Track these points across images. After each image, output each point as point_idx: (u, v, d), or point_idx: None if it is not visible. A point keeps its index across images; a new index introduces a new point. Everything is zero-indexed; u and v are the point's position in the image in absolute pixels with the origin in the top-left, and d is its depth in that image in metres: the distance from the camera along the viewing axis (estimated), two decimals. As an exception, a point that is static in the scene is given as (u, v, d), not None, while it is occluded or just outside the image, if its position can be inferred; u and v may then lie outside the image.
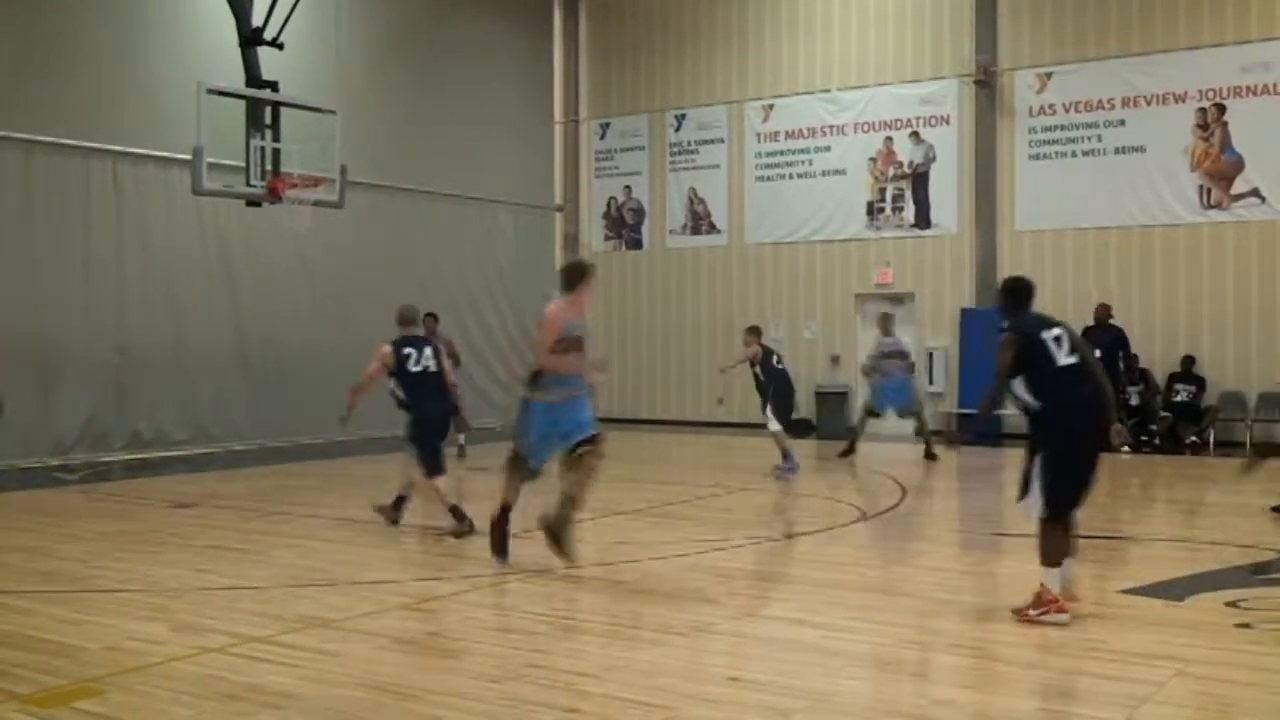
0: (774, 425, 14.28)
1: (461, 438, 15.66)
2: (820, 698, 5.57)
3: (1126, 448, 15.75)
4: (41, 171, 14.88)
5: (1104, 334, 16.88)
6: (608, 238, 23.22)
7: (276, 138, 14.07)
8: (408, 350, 9.45)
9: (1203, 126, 17.72)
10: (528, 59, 22.39)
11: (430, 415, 9.53)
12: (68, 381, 14.96)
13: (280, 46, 14.69)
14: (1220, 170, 17.61)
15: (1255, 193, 17.35)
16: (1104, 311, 17.15)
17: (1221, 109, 17.57)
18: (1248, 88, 17.39)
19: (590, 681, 5.86)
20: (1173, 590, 7.67)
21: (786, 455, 14.16)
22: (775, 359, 14.69)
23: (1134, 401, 17.14)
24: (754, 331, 14.90)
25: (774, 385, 14.46)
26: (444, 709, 5.34)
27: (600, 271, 22.79)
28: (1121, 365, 16.90)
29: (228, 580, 8.21)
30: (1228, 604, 7.21)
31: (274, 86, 14.35)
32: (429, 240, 20.00)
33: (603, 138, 23.18)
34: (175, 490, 12.93)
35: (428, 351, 9.53)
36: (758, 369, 14.57)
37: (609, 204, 23.16)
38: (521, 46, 22.24)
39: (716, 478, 14.15)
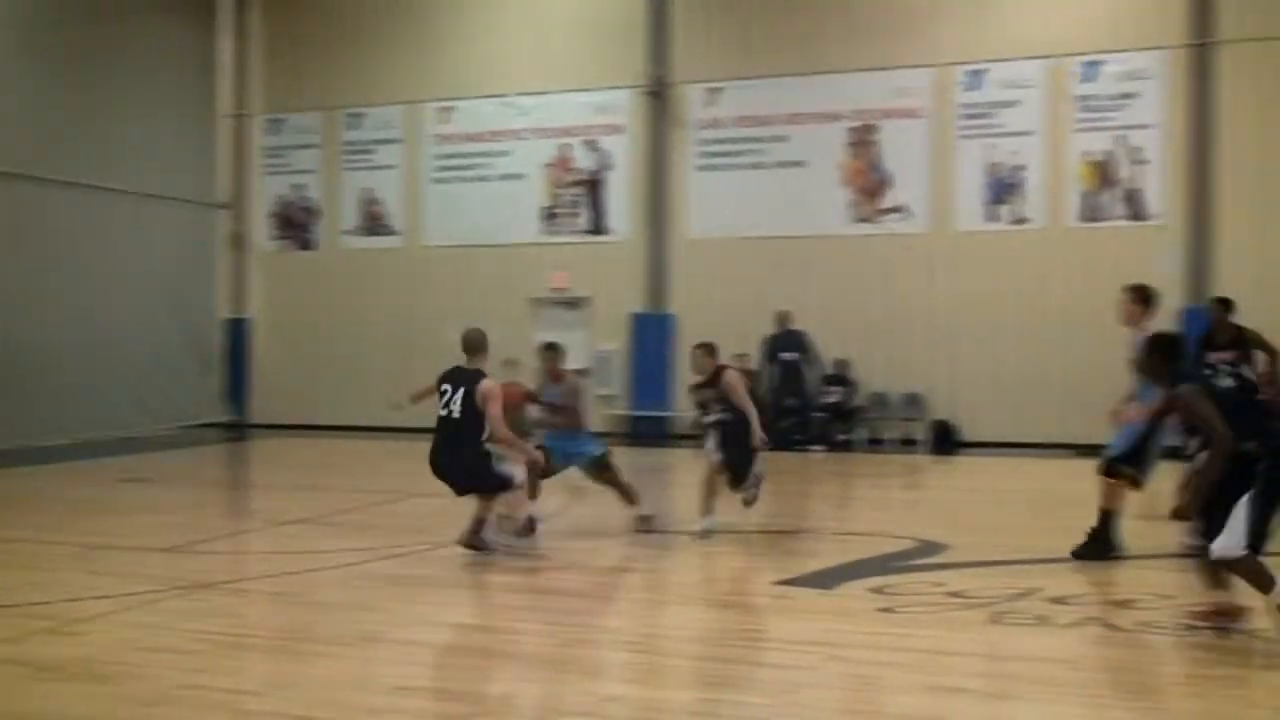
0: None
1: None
2: (491, 702, 5.57)
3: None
4: None
5: (788, 339, 17.95)
6: (276, 237, 22.43)
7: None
8: None
9: (855, 145, 18.92)
10: (189, 50, 21.35)
11: None
12: None
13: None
14: (870, 186, 18.85)
15: (901, 208, 18.69)
16: (785, 317, 18.16)
17: (871, 129, 18.81)
18: (896, 110, 18.69)
19: (252, 699, 5.62)
20: (824, 580, 8.13)
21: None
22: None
23: (833, 399, 18.33)
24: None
25: None
26: (89, 737, 4.98)
27: (269, 272, 22.29)
28: (804, 369, 18.06)
29: None
30: (873, 590, 7.71)
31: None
32: (77, 235, 18.74)
33: (274, 134, 22.39)
34: None
35: None
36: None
37: (278, 202, 22.39)
38: (181, 36, 21.21)
39: (390, 484, 13.90)
